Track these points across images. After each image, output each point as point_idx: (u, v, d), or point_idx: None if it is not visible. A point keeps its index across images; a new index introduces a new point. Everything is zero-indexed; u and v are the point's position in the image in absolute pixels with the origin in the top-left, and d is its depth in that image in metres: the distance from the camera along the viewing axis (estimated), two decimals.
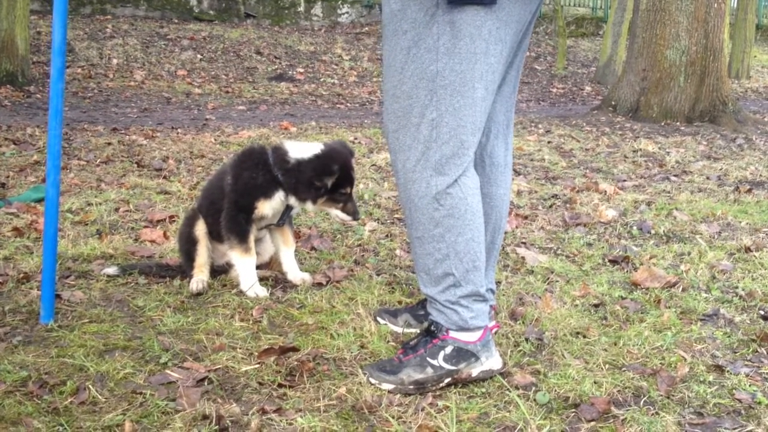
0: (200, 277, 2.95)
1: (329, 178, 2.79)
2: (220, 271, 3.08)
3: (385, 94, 2.20)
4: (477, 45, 2.07)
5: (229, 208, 2.90)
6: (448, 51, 2.07)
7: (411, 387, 2.16)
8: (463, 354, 2.20)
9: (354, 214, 2.93)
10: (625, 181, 5.56)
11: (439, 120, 2.11)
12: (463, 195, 2.16)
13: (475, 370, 2.21)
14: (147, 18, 13.85)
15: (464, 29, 2.06)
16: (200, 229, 3.00)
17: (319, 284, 3.04)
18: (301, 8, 15.41)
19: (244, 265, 2.91)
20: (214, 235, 2.99)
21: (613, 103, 9.53)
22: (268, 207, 2.89)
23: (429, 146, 2.12)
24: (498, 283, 3.08)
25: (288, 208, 2.95)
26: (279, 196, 2.87)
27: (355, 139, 6.96)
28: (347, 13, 15.96)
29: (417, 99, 2.11)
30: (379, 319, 2.66)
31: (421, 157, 2.14)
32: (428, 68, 2.09)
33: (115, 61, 11.60)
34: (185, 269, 3.03)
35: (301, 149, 2.86)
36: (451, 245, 2.17)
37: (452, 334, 2.21)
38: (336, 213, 2.91)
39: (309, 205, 2.89)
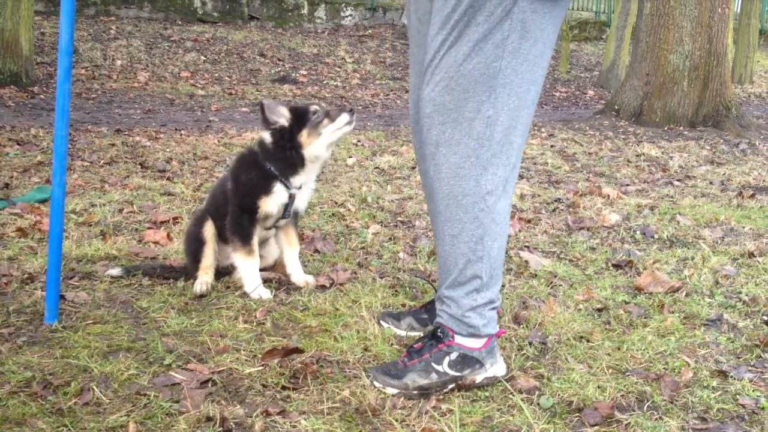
0: (204, 278, 2.95)
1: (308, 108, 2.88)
2: (224, 272, 3.08)
3: (433, 85, 2.12)
4: (538, 48, 2.08)
5: (233, 211, 2.93)
6: (514, 50, 2.05)
7: (415, 392, 2.16)
8: (468, 360, 2.20)
9: (342, 112, 2.90)
10: (628, 185, 5.56)
11: (495, 118, 2.08)
12: (506, 200, 2.16)
13: (479, 377, 2.21)
14: (151, 19, 13.87)
15: (532, 31, 2.06)
16: (209, 230, 3.01)
17: (323, 287, 3.04)
18: (305, 10, 15.42)
19: (247, 267, 2.92)
20: (223, 237, 3.01)
21: (616, 107, 9.54)
22: (271, 203, 2.91)
23: (482, 143, 2.09)
24: (501, 286, 3.06)
25: (291, 200, 2.95)
26: (279, 189, 2.90)
27: (359, 141, 6.96)
28: (351, 15, 15.97)
29: (474, 94, 2.07)
30: (382, 322, 2.66)
31: (472, 153, 2.10)
32: (492, 64, 2.05)
33: (118, 62, 11.62)
34: (190, 270, 3.03)
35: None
36: (487, 249, 2.15)
37: (458, 340, 2.21)
38: (335, 126, 2.89)
39: (318, 138, 2.87)
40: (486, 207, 2.12)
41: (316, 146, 2.88)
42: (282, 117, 2.87)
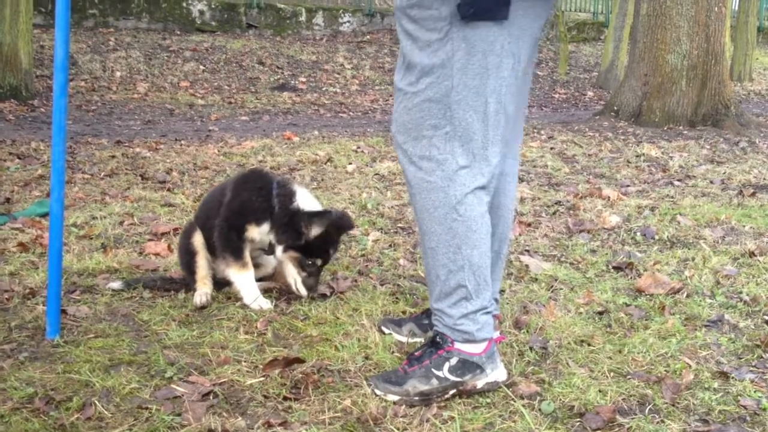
0: (204, 290, 2.95)
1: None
2: (224, 283, 3.08)
3: (396, 107, 2.21)
4: (489, 60, 2.09)
5: (220, 225, 2.92)
6: (462, 67, 2.09)
7: (416, 398, 2.17)
8: (468, 366, 2.20)
9: (310, 289, 2.94)
10: (628, 186, 5.56)
11: (453, 133, 2.13)
12: (481, 209, 2.18)
13: (480, 382, 2.22)
14: (149, 30, 13.90)
15: (477, 45, 2.07)
16: (198, 240, 3.00)
17: (323, 295, 3.04)
18: (303, 18, 15.45)
19: (243, 280, 2.92)
20: (211, 250, 3.00)
21: (615, 108, 9.54)
22: (256, 233, 2.91)
23: (445, 158, 2.13)
24: (502, 291, 3.07)
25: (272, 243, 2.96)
26: (266, 227, 2.90)
27: (358, 147, 6.97)
28: (348, 21, 16.00)
29: (430, 113, 2.13)
30: (383, 329, 2.66)
31: (437, 168, 2.14)
32: (443, 83, 2.10)
33: (118, 73, 11.65)
34: (188, 282, 3.03)
35: (308, 201, 2.92)
36: (466, 257, 2.17)
37: (457, 345, 2.22)
38: (295, 277, 2.93)
39: (279, 250, 2.91)
40: (459, 217, 2.15)
41: (278, 251, 2.91)
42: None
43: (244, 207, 2.89)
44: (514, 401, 2.17)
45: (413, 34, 2.13)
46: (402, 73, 2.18)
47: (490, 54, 2.09)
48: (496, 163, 2.19)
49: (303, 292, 2.94)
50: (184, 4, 14.33)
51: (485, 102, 2.12)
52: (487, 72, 2.10)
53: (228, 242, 2.91)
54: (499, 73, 2.12)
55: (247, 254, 2.92)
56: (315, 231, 2.84)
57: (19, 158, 5.92)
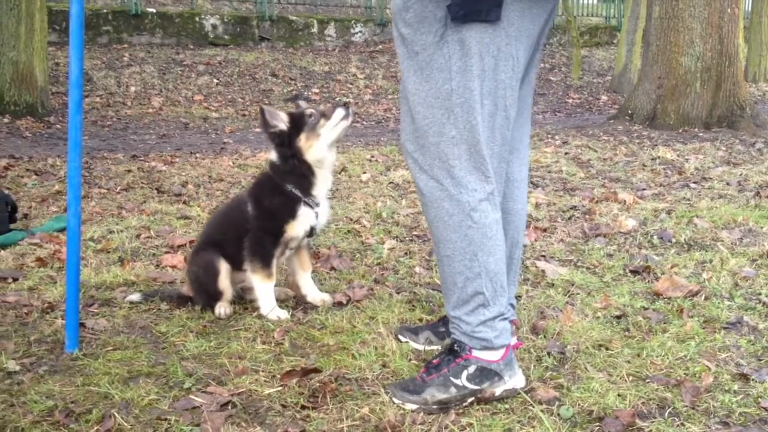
0: (225, 303, 2.96)
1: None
2: (237, 298, 3.08)
3: (402, 116, 2.22)
4: (486, 62, 2.09)
5: (255, 235, 2.91)
6: (460, 69, 2.08)
7: (434, 407, 2.16)
8: (486, 373, 2.20)
9: (336, 108, 2.89)
10: (644, 189, 5.53)
11: (459, 137, 2.12)
12: (495, 215, 2.17)
13: (498, 389, 2.21)
14: (163, 45, 14.00)
15: (473, 47, 2.07)
16: (224, 282, 2.96)
17: (340, 304, 3.05)
18: (315, 29, 15.52)
19: (265, 289, 2.93)
20: (235, 264, 2.99)
21: (629, 111, 9.51)
22: (298, 227, 2.91)
23: (453, 164, 2.13)
24: (518, 297, 3.07)
25: (317, 218, 2.94)
26: (304, 211, 2.89)
27: (372, 156, 6.98)
28: (360, 32, 16.05)
29: (434, 118, 2.12)
30: (400, 337, 2.66)
31: (447, 175, 2.14)
32: (443, 88, 2.10)
33: (132, 88, 11.74)
34: (202, 306, 3.01)
35: None
36: (483, 264, 2.16)
37: (475, 353, 2.21)
38: (332, 123, 2.87)
39: (318, 139, 2.87)
40: (474, 224, 2.14)
41: (316, 149, 2.87)
42: (281, 122, 2.87)
43: (272, 211, 2.90)
44: (533, 407, 2.16)
45: (409, 38, 2.13)
46: (404, 82, 2.18)
47: (486, 55, 2.08)
48: (494, 166, 2.19)
49: (340, 118, 2.88)
50: (197, 19, 14.43)
51: (482, 104, 2.12)
52: (484, 74, 2.09)
53: (261, 248, 2.92)
54: (495, 75, 2.11)
55: (274, 264, 2.94)
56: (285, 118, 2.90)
57: (37, 174, 5.97)
